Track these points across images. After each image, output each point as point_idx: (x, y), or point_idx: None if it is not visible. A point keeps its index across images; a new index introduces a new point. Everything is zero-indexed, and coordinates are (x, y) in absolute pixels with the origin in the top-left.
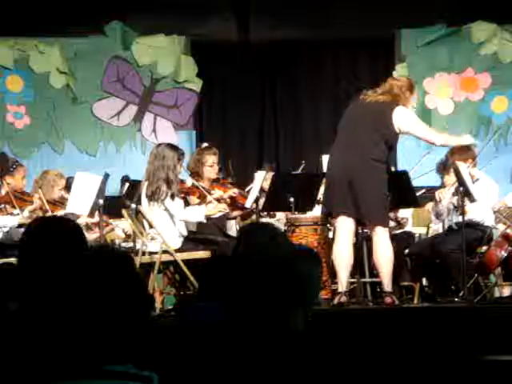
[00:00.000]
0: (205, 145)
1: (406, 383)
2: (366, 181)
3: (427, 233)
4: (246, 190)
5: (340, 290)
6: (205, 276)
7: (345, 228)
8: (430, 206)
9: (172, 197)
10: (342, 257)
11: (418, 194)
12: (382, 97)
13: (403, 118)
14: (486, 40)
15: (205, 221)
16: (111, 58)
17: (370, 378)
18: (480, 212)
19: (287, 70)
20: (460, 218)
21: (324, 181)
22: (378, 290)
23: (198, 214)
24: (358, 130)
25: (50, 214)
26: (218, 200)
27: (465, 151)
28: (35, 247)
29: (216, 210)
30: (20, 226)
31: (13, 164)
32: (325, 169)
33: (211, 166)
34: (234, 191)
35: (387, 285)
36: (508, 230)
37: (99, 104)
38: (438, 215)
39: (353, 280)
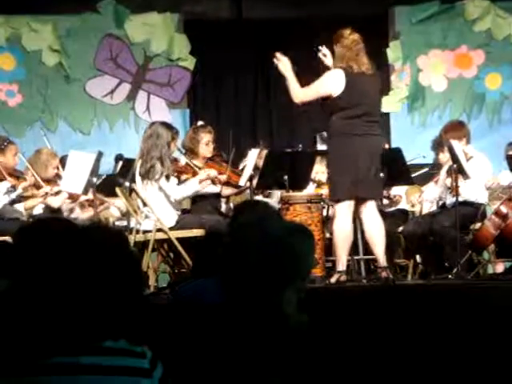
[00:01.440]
0: (200, 123)
1: (402, 361)
2: (378, 157)
3: (421, 210)
4: (240, 167)
5: (340, 268)
6: (199, 253)
7: (346, 207)
8: (428, 187)
9: (167, 177)
10: (344, 235)
11: (419, 172)
12: (368, 66)
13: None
14: (479, 17)
15: (201, 189)
16: (104, 36)
17: (365, 355)
18: (473, 191)
19: (280, 47)
20: (454, 199)
21: (340, 162)
22: (372, 266)
23: (192, 186)
24: (372, 109)
25: (44, 190)
26: (212, 179)
27: (458, 129)
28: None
29: (206, 174)
30: (12, 202)
31: (4, 141)
32: (319, 147)
33: (206, 144)
34: (228, 171)
35: (383, 260)
36: (501, 207)
37: (92, 82)
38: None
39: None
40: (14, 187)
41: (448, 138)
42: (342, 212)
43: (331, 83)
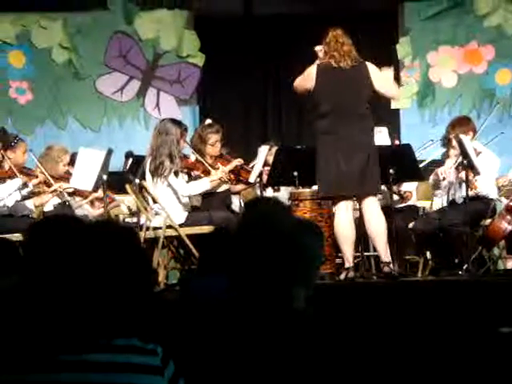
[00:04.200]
0: (208, 121)
1: (411, 355)
2: (368, 152)
3: (431, 206)
4: (250, 165)
5: (347, 265)
6: (205, 250)
7: (344, 204)
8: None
9: (176, 174)
10: (345, 232)
11: (421, 166)
12: (349, 60)
13: (378, 74)
14: (489, 12)
15: (210, 187)
16: (114, 33)
17: (374, 352)
18: (485, 185)
19: (291, 44)
20: (464, 193)
21: (321, 161)
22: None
23: (202, 184)
24: (348, 104)
25: (54, 187)
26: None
27: (465, 124)
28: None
29: (218, 175)
30: (23, 199)
31: (14, 139)
32: None
33: (213, 144)
34: (238, 160)
35: (385, 254)
36: (511, 203)
37: (102, 79)
38: (435, 188)
39: (357, 254)
40: (25, 184)
41: (455, 133)
42: (340, 211)
43: (305, 78)
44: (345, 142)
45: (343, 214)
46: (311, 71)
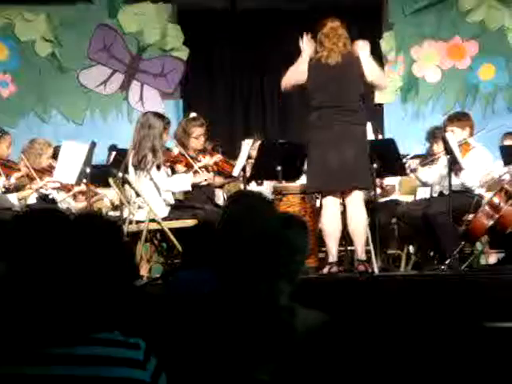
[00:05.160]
0: (192, 115)
1: (393, 350)
2: (360, 147)
3: (414, 200)
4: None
5: (331, 260)
6: (190, 243)
7: (331, 199)
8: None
9: (158, 167)
10: (331, 228)
11: (404, 160)
12: (340, 56)
13: (370, 66)
14: (473, 8)
15: (190, 189)
16: (97, 26)
17: (356, 347)
18: (470, 179)
19: (274, 38)
20: (455, 181)
21: (312, 154)
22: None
23: (183, 183)
24: (339, 99)
25: (37, 181)
26: (206, 168)
27: (463, 119)
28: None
29: (202, 178)
30: (6, 191)
31: None
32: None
33: (196, 138)
34: (218, 156)
35: (362, 253)
36: (494, 198)
37: (85, 72)
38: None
39: (340, 248)
40: (6, 187)
41: (452, 126)
42: (327, 207)
43: (296, 73)
44: (337, 136)
45: (330, 209)
46: (303, 67)
